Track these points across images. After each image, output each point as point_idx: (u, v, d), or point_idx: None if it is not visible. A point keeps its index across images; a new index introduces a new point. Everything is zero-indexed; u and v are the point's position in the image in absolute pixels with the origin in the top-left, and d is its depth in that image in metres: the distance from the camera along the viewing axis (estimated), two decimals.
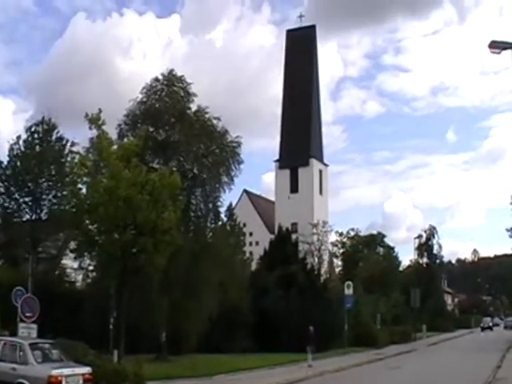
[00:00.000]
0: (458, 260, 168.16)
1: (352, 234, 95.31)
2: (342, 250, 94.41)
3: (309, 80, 79.66)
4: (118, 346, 23.81)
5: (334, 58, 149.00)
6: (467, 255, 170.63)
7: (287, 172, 78.22)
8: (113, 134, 30.88)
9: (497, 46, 22.13)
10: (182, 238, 27.51)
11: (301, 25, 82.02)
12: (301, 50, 79.52)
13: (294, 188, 77.78)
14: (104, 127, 22.99)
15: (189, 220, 32.11)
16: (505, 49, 22.12)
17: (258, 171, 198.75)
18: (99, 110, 22.92)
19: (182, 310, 30.86)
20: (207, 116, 32.84)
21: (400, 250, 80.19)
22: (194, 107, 32.92)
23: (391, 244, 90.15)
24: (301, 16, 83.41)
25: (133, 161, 22.26)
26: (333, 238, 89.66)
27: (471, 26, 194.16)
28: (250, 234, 70.63)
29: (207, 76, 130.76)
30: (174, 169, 31.40)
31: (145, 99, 32.17)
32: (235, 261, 42.54)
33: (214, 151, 32.71)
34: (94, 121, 22.62)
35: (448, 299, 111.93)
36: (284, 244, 44.72)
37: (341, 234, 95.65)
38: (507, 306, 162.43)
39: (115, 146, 23.58)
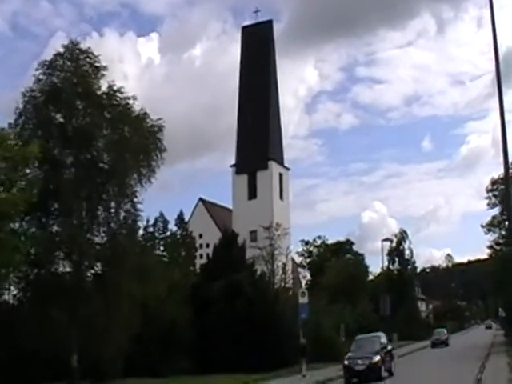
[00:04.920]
0: (432, 267, 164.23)
1: (319, 242, 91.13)
2: (308, 260, 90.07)
3: (266, 79, 74.79)
4: None
5: (310, 72, 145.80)
6: (442, 262, 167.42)
7: (245, 177, 72.85)
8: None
9: None
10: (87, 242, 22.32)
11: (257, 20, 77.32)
12: (257, 46, 74.71)
13: (253, 194, 72.24)
14: None
15: (101, 220, 26.90)
16: None
17: None
18: None
19: (93, 329, 25.43)
20: (121, 96, 27.49)
21: (376, 260, 75.91)
22: (104, 86, 27.57)
23: (362, 252, 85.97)
24: (257, 11, 78.55)
25: None
26: (299, 248, 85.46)
27: (448, 36, 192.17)
28: (207, 246, 64.97)
29: (187, 95, 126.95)
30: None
31: (42, 76, 26.70)
32: (173, 272, 37.30)
33: (131, 138, 27.31)
34: None
35: (422, 306, 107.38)
36: (229, 249, 38.98)
37: (307, 243, 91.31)
38: (483, 311, 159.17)
39: None
